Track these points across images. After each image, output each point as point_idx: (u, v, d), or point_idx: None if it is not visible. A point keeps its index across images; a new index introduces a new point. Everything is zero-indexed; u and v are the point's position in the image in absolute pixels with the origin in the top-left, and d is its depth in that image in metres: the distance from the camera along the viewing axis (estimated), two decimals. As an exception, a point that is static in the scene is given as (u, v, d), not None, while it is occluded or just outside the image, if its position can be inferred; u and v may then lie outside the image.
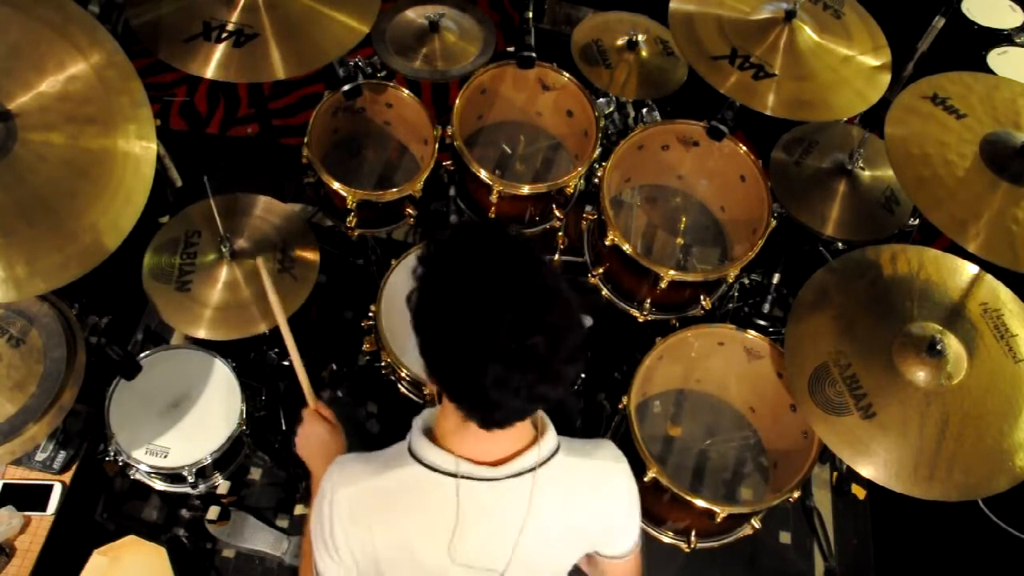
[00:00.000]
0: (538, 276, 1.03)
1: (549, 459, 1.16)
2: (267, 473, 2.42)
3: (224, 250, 1.96)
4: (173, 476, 1.93)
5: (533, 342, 0.98)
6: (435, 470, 1.13)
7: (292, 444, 1.50)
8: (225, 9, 1.88)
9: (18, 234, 1.40)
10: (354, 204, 2.17)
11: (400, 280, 2.11)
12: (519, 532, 1.15)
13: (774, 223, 2.11)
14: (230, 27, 1.86)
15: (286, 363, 2.25)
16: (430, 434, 1.17)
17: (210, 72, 1.82)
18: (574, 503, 1.20)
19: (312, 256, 2.07)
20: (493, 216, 2.27)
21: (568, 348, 1.02)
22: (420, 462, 1.14)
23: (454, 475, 1.12)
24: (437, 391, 1.10)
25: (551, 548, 1.22)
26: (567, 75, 2.35)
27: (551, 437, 1.18)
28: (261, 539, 2.27)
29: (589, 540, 1.28)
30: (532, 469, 1.14)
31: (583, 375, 2.27)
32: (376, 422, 2.48)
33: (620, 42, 2.47)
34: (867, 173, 2.30)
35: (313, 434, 1.47)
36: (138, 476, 1.95)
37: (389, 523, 1.15)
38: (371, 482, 1.16)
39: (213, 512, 2.24)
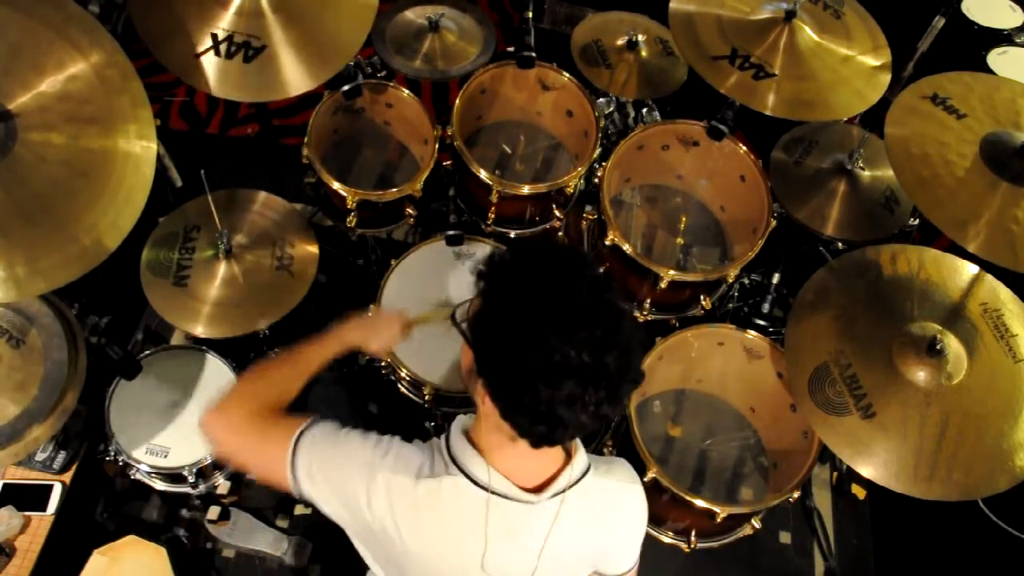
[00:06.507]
0: (609, 295, 1.02)
1: (578, 481, 1.15)
2: (267, 473, 2.41)
3: (220, 246, 1.96)
4: (173, 476, 1.93)
5: (606, 360, 0.97)
6: (475, 483, 1.11)
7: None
8: (232, 20, 1.86)
9: (18, 234, 1.40)
10: (354, 204, 2.17)
11: (400, 280, 2.11)
12: (540, 551, 1.16)
13: (774, 223, 2.11)
14: (238, 39, 1.84)
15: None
16: (471, 442, 1.14)
17: (214, 88, 1.83)
18: (593, 524, 1.20)
19: (311, 251, 2.06)
20: (493, 215, 2.27)
21: (635, 368, 1.02)
22: (462, 471, 1.12)
23: (486, 489, 1.11)
24: (487, 406, 1.06)
25: (567, 567, 1.22)
26: (567, 75, 2.35)
27: (582, 458, 1.17)
28: (261, 539, 2.27)
29: (597, 560, 1.27)
30: (563, 491, 1.13)
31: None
32: (376, 422, 2.48)
33: (620, 42, 2.47)
34: (867, 173, 2.30)
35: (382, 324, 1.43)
36: (138, 476, 1.95)
37: (421, 527, 1.14)
38: (416, 480, 1.13)
39: (213, 512, 2.23)
